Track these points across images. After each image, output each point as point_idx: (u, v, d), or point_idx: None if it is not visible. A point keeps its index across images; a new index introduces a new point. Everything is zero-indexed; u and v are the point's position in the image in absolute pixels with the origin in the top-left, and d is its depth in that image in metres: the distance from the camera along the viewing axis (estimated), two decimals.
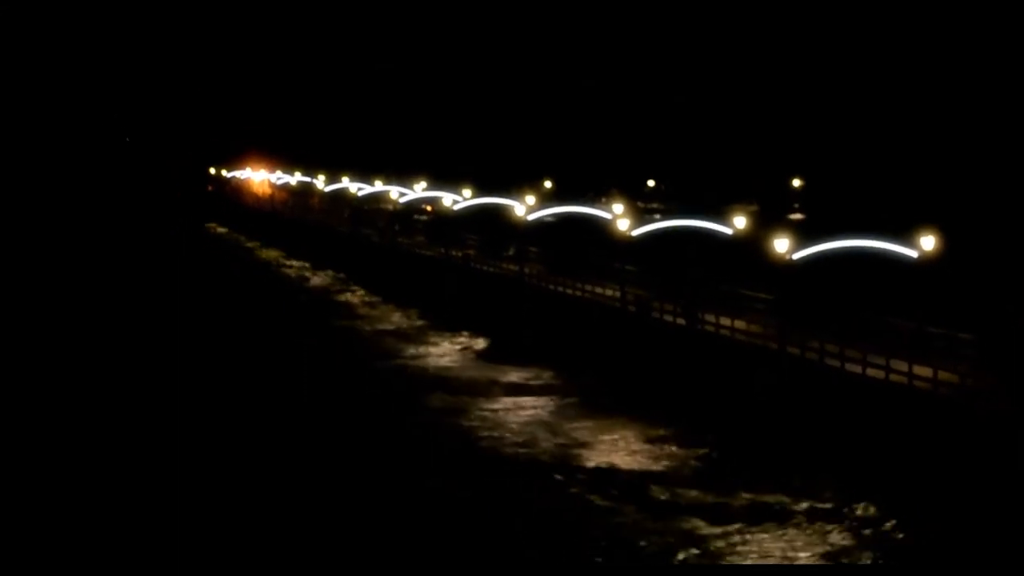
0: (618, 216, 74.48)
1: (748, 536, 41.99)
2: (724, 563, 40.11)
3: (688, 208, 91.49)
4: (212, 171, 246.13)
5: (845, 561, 39.97)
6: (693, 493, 46.94)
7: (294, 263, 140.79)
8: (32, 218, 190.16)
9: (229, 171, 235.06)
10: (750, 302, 66.75)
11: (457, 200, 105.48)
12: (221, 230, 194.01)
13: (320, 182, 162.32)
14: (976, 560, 39.91)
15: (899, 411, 46.81)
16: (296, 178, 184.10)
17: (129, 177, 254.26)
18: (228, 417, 60.71)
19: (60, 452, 54.09)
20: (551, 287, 78.98)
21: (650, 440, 54.93)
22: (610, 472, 50.29)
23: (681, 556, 40.35)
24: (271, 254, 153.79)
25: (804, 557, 40.26)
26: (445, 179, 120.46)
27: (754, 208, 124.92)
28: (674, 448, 53.53)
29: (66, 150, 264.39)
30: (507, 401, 64.04)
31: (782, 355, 55.00)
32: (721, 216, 69.47)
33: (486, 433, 57.27)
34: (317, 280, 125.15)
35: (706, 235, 68.98)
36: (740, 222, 67.36)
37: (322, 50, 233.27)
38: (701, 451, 52.73)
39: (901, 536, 41.60)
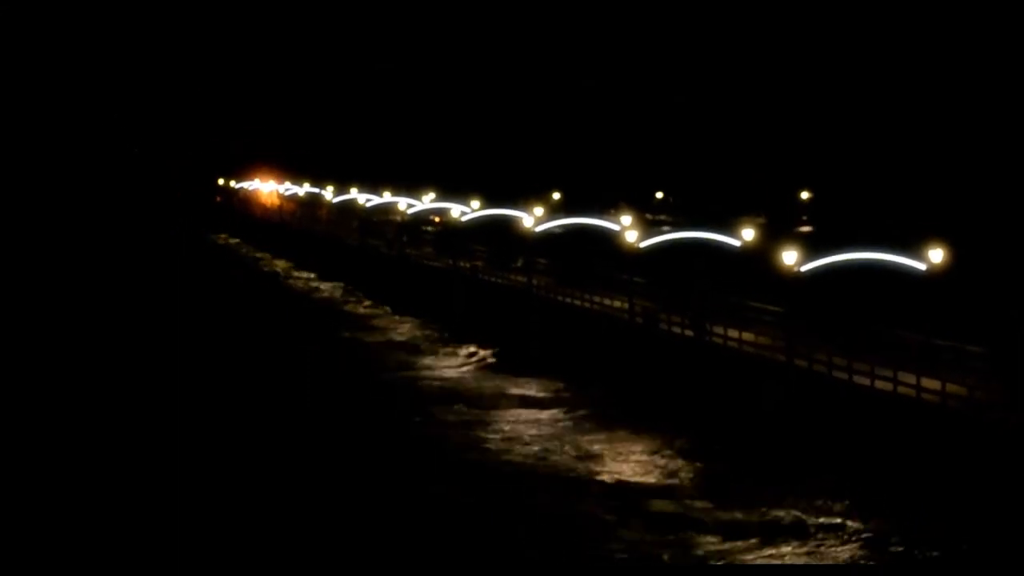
0: (626, 228, 74.51)
1: (757, 552, 41.96)
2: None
3: (696, 220, 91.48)
4: (220, 182, 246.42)
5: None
6: (700, 504, 46.96)
7: (303, 274, 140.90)
8: (40, 226, 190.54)
9: (237, 182, 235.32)
10: (758, 314, 66.71)
11: (465, 211, 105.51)
12: (232, 241, 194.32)
13: (328, 193, 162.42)
14: (985, 571, 39.89)
15: (907, 424, 46.80)
16: (304, 189, 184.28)
17: (137, 188, 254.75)
18: (232, 422, 60.89)
19: (60, 453, 54.26)
20: (559, 299, 78.97)
21: (658, 452, 54.91)
22: (619, 484, 50.29)
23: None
24: (280, 264, 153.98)
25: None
26: (453, 190, 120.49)
27: (762, 220, 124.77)
28: (682, 460, 53.51)
29: (75, 160, 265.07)
30: (516, 413, 63.96)
31: (790, 367, 55.01)
32: (729, 228, 69.40)
33: (494, 445, 57.25)
34: (325, 291, 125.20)
35: (714, 247, 68.94)
36: (748, 234, 67.30)
37: (330, 62, 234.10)
38: (709, 463, 52.70)
39: (910, 548, 41.58)
